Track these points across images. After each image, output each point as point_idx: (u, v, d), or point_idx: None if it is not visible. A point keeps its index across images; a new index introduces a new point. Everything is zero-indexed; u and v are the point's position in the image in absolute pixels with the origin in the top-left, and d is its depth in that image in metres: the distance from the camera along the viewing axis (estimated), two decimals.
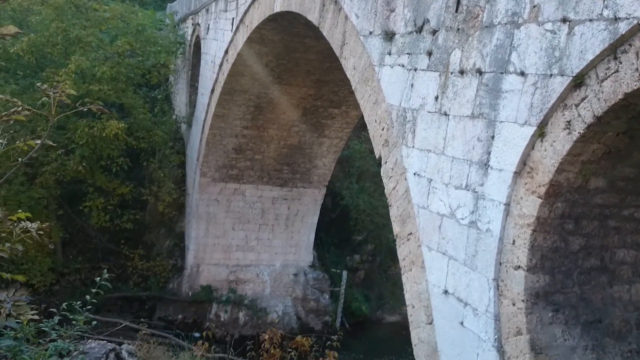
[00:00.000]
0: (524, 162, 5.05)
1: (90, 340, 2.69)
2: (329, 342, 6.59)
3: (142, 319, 21.16)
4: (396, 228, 6.96)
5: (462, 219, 5.71)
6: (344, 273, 22.39)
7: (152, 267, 22.00)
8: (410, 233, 6.66)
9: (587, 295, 5.22)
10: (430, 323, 6.20)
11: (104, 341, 2.79)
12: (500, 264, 5.22)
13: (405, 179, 6.81)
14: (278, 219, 21.09)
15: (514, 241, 5.08)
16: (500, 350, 5.13)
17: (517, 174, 5.09)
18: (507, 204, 5.16)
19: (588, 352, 5.00)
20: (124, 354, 2.46)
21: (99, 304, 21.55)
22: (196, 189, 20.09)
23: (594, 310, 5.22)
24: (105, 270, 4.07)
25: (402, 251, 6.83)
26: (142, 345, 5.26)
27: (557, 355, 4.91)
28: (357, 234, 25.13)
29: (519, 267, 5.02)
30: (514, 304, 5.04)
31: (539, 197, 4.86)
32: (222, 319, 20.73)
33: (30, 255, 20.51)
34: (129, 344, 5.50)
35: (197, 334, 20.91)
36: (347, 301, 22.56)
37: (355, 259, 24.74)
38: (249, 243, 21.00)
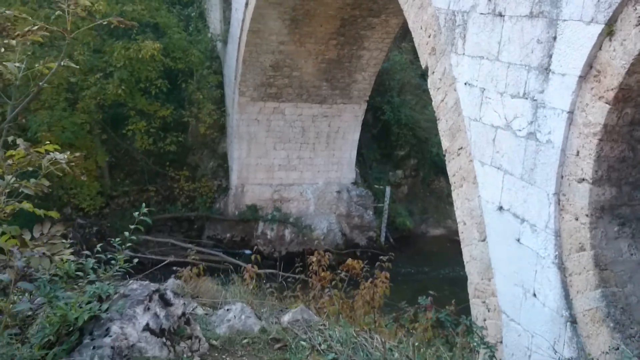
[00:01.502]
0: (590, 64, 4.57)
1: (131, 281, 2.56)
2: (378, 263, 6.44)
3: (192, 239, 21.79)
4: (445, 143, 6.61)
5: (519, 130, 5.31)
6: (388, 189, 22.24)
7: (198, 188, 22.32)
8: (461, 147, 6.31)
9: None
10: (484, 240, 5.97)
11: (147, 282, 2.65)
12: (562, 177, 4.87)
13: (455, 90, 6.38)
14: (319, 136, 20.84)
15: (577, 152, 4.69)
16: (561, 267, 4.88)
17: (582, 78, 4.63)
18: (571, 112, 4.74)
19: None
20: (169, 294, 2.35)
21: (149, 224, 22.22)
22: (235, 109, 19.89)
23: None
24: (143, 205, 3.89)
25: (452, 167, 6.51)
26: (190, 278, 5.15)
27: (622, 270, 4.63)
28: (399, 149, 24.75)
29: (583, 179, 4.66)
30: (577, 219, 4.73)
31: (606, 103, 4.42)
32: (268, 236, 21.08)
33: (78, 181, 21.01)
34: (176, 277, 5.41)
35: (247, 251, 21.43)
36: (390, 216, 22.56)
37: (397, 174, 24.50)
38: (291, 162, 20.93)
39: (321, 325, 3.15)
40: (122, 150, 22.97)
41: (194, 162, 23.19)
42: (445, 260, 20.81)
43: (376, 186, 22.77)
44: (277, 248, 20.88)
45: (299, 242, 20.83)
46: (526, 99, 5.19)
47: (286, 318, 3.23)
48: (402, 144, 24.64)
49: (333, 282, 5.68)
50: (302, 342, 2.96)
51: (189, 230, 22.29)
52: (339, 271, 5.50)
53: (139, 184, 22.93)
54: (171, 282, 3.41)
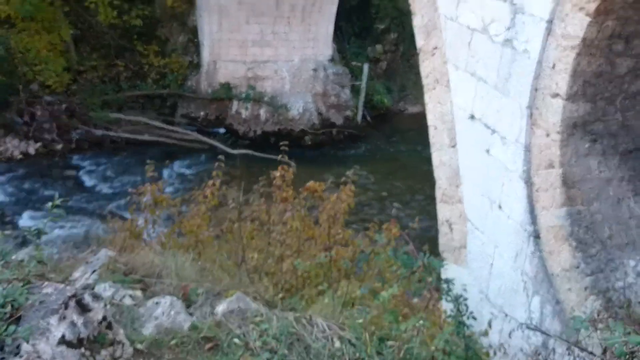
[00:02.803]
0: None
1: (45, 283, 2.21)
2: (344, 178, 6.30)
3: (165, 116, 21.39)
4: (419, 41, 6.23)
5: (496, 35, 4.97)
6: (365, 66, 21.66)
7: (169, 64, 21.53)
8: (436, 47, 5.95)
9: (630, 122, 4.71)
10: (454, 146, 5.83)
11: (62, 285, 2.30)
12: (537, 90, 4.64)
13: None
14: (294, 10, 19.80)
15: (554, 65, 4.43)
16: (529, 182, 4.81)
17: None
18: (550, 22, 4.40)
19: (624, 184, 4.66)
20: (87, 298, 2.12)
21: (120, 102, 21.76)
22: None
23: (635, 137, 4.75)
24: (56, 194, 3.37)
25: (425, 67, 6.19)
26: (124, 249, 4.59)
27: (590, 188, 4.58)
28: (379, 22, 23.81)
29: (557, 94, 4.45)
30: (547, 135, 4.58)
31: (587, 15, 4.09)
32: (243, 115, 20.76)
33: (42, 56, 20.08)
34: (109, 247, 4.77)
35: (221, 130, 21.21)
36: (368, 94, 22.21)
37: (377, 49, 23.77)
38: (264, 37, 20.05)
39: (257, 317, 3.04)
40: (87, 22, 21.77)
41: (163, 35, 22.15)
42: (422, 138, 20.84)
43: (353, 63, 22.15)
44: (252, 127, 20.66)
45: (275, 121, 20.59)
46: (505, 1, 4.80)
47: (221, 308, 3.10)
48: (382, 16, 23.68)
49: (295, 200, 5.58)
50: (236, 340, 2.86)
51: (161, 107, 21.80)
52: (301, 191, 5.37)
53: (107, 58, 22.01)
54: (103, 253, 3.19)
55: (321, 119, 20.99)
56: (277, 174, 5.80)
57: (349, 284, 4.40)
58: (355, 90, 21.89)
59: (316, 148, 20.54)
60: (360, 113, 21.94)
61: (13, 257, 3.17)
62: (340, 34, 22.56)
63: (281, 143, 5.99)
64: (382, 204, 17.49)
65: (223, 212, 5.82)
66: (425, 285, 3.56)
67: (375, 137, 21.85)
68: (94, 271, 2.92)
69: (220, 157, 6.96)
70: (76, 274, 3.00)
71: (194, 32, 21.45)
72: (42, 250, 3.13)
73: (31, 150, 19.23)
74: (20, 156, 18.98)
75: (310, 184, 5.76)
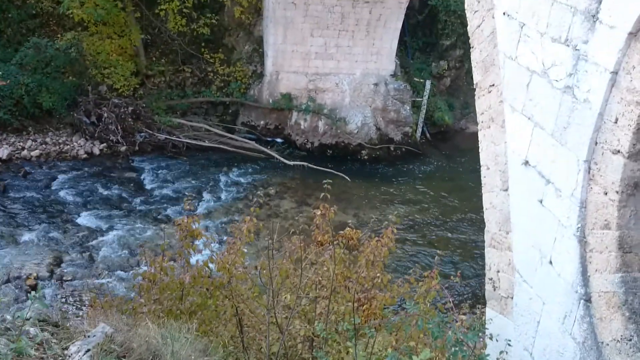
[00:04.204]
0: None
1: None
2: (386, 222, 6.04)
3: (227, 124, 21.72)
4: (477, 76, 5.96)
5: (556, 80, 4.66)
6: (428, 83, 21.29)
7: (233, 73, 21.88)
8: (493, 85, 5.67)
9: None
10: (506, 190, 5.53)
11: None
12: (596, 143, 4.30)
13: (493, 17, 5.62)
14: (359, 24, 19.70)
15: (616, 119, 4.09)
16: (582, 241, 4.47)
17: (633, 35, 3.91)
18: (615, 72, 4.06)
19: None
20: None
21: (184, 107, 22.25)
22: None
23: None
24: None
25: (481, 104, 5.92)
26: (127, 328, 3.97)
27: None
28: (445, 38, 23.38)
29: (619, 151, 4.10)
30: (605, 193, 4.23)
31: None
32: (302, 126, 20.80)
33: (112, 59, 20.78)
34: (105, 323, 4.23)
35: (279, 140, 21.36)
36: (429, 111, 21.84)
37: (441, 65, 23.34)
38: (328, 50, 20.04)
39: None
40: (157, 29, 22.41)
41: (230, 43, 22.54)
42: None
43: (416, 79, 21.80)
44: (310, 139, 20.67)
45: (333, 134, 20.53)
46: (568, 46, 4.49)
47: None
48: (449, 33, 23.23)
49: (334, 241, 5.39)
50: None
51: (223, 115, 22.18)
52: (337, 241, 5.19)
53: (174, 64, 22.63)
54: (100, 330, 3.04)
55: (379, 134, 20.77)
56: (318, 212, 5.64)
57: (378, 334, 4.21)
58: (415, 106, 21.56)
59: (372, 163, 20.35)
60: (419, 130, 21.58)
61: (17, 313, 3.13)
62: (404, 48, 22.29)
63: (325, 182, 5.73)
64: (436, 226, 17.09)
65: (263, 241, 5.71)
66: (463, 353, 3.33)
67: (434, 155, 21.44)
68: (87, 350, 2.86)
69: (259, 193, 6.81)
70: (72, 349, 2.95)
71: (259, 42, 21.70)
72: (44, 313, 3.07)
73: (96, 150, 19.93)
74: (85, 155, 19.69)
75: (347, 231, 5.58)
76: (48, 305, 3.05)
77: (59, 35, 20.62)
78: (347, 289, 4.89)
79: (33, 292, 2.99)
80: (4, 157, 18.64)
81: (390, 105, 20.78)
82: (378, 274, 5.11)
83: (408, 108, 21.15)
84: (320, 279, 4.69)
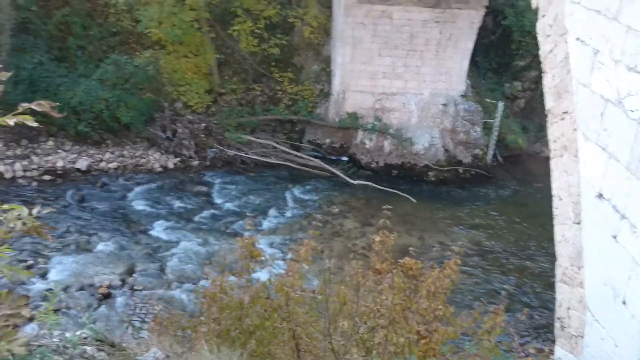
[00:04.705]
0: None
1: None
2: (450, 253, 5.82)
3: (293, 141, 21.99)
4: (549, 102, 5.75)
5: (632, 111, 4.41)
6: (500, 104, 20.76)
7: (301, 92, 22.18)
8: (566, 112, 5.45)
9: None
10: (578, 223, 5.27)
11: None
12: None
13: (566, 42, 5.41)
14: (428, 44, 19.53)
15: None
16: None
17: None
18: None
19: None
20: None
21: (254, 124, 22.71)
22: (341, 11, 18.94)
23: None
24: None
25: (553, 131, 5.69)
26: (181, 355, 3.91)
27: None
28: (519, 58, 22.78)
29: None
30: None
31: None
32: (367, 146, 20.75)
33: (187, 77, 21.53)
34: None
35: (344, 158, 21.40)
36: (501, 133, 21.25)
37: (514, 86, 22.75)
38: (395, 70, 19.96)
39: None
40: (230, 49, 23.08)
41: (298, 63, 22.89)
42: None
43: (488, 100, 21.31)
44: (375, 158, 20.58)
45: (398, 154, 20.35)
46: None
47: None
48: (523, 53, 22.63)
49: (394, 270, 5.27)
50: None
51: (290, 132, 22.47)
52: (396, 269, 5.07)
53: (245, 83, 23.19)
54: (151, 356, 3.07)
55: (447, 156, 20.41)
56: (377, 238, 5.56)
57: None
58: (487, 128, 21.06)
59: (439, 185, 19.99)
60: (490, 152, 21.04)
61: (68, 334, 3.24)
62: (475, 69, 21.89)
63: (385, 207, 5.65)
64: (506, 254, 16.54)
65: (324, 261, 5.67)
66: None
67: (506, 180, 20.83)
68: None
69: (318, 218, 6.77)
70: None
71: (327, 62, 21.92)
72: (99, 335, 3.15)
73: (170, 165, 20.64)
74: (159, 169, 20.43)
75: (406, 260, 5.46)
76: (98, 332, 3.14)
77: (137, 53, 21.58)
78: (407, 319, 4.77)
79: (86, 315, 3.10)
80: (83, 169, 19.60)
81: (459, 127, 20.41)
82: (440, 306, 4.96)
83: (479, 129, 20.68)
84: (379, 307, 4.60)
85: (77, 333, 3.14)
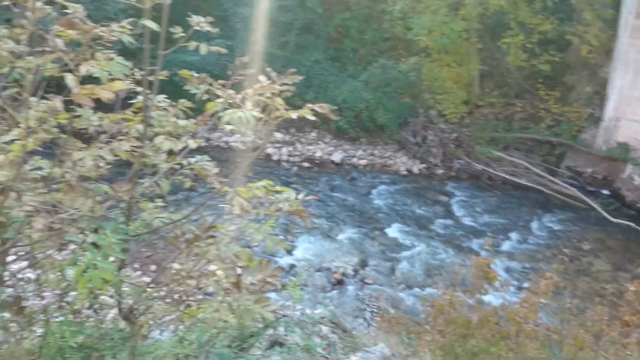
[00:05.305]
0: None
1: None
2: None
3: (549, 165, 20.66)
4: None
5: None
6: None
7: (567, 113, 20.72)
8: None
9: None
10: None
11: None
12: None
13: None
14: None
15: None
16: None
17: None
18: None
19: None
20: None
21: (508, 141, 21.88)
22: (627, 32, 17.13)
23: None
24: None
25: None
26: None
27: None
28: None
29: None
30: None
31: None
32: (635, 182, 18.48)
33: (446, 86, 21.68)
34: None
35: (604, 192, 19.41)
36: None
37: None
38: None
39: None
40: (495, 61, 22.58)
41: (570, 82, 21.38)
42: None
43: None
44: None
45: None
46: None
47: None
48: None
49: None
50: None
51: (547, 155, 21.18)
52: None
53: (506, 97, 22.52)
54: (379, 350, 3.05)
55: None
56: (632, 288, 4.93)
57: None
58: None
59: None
60: None
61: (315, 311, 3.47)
62: None
63: None
64: None
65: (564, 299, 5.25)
66: None
67: None
68: None
69: (559, 261, 6.22)
70: (353, 359, 3.15)
71: (602, 85, 20.06)
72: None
73: (415, 169, 21.09)
74: (404, 172, 21.02)
75: None
76: (336, 315, 3.38)
77: (403, 59, 22.41)
78: None
79: (326, 297, 3.35)
80: (337, 161, 21.13)
81: None
82: None
83: None
84: None
85: (317, 312, 3.43)
